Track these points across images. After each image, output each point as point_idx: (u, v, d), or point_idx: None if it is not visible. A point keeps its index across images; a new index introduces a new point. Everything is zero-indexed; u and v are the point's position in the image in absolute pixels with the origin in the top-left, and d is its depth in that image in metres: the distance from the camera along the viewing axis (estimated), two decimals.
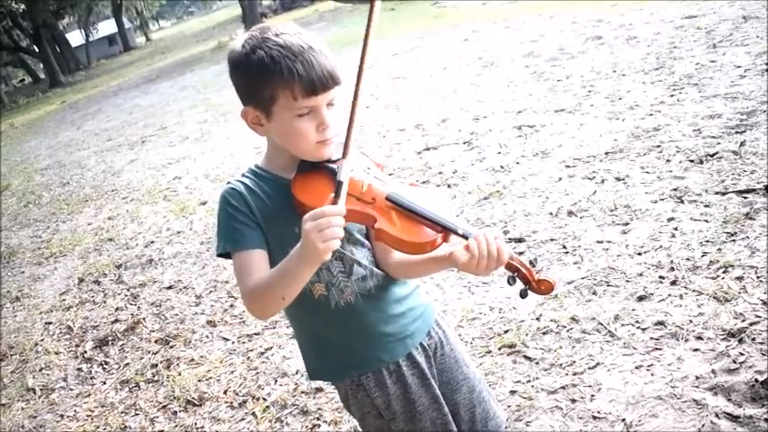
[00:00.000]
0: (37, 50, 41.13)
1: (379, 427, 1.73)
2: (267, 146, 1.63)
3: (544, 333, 3.03)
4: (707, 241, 3.35)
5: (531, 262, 1.53)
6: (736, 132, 4.45)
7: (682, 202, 3.80)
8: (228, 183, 1.60)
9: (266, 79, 1.45)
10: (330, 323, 1.64)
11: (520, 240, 3.91)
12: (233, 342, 3.78)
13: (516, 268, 1.51)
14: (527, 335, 3.04)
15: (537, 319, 3.14)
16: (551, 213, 4.15)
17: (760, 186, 3.69)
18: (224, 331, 3.93)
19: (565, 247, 3.71)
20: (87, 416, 3.52)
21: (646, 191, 4.06)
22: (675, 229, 3.55)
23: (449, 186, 5.09)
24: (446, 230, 1.49)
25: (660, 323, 2.85)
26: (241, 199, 1.55)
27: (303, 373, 3.25)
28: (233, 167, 7.57)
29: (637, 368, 2.64)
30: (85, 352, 4.20)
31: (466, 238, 1.47)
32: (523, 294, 1.54)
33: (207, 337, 3.95)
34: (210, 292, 4.52)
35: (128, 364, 3.92)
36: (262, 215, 1.55)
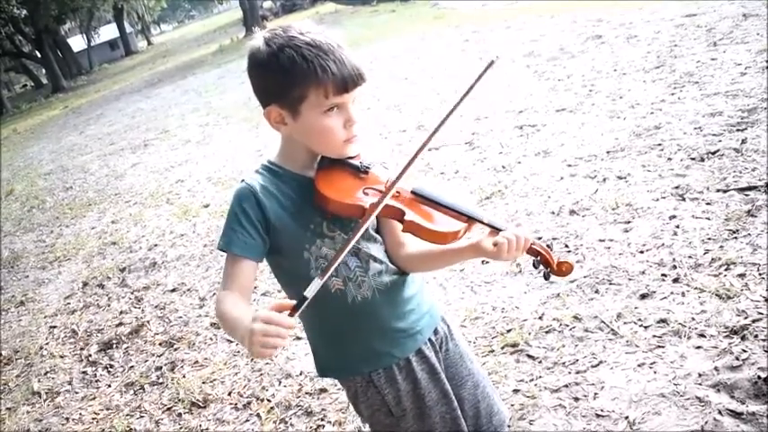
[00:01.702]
0: (39, 56, 41.20)
1: (388, 426, 1.73)
2: (282, 143, 1.62)
3: (547, 332, 3.03)
4: (709, 239, 3.35)
5: (548, 245, 1.59)
6: (737, 130, 4.46)
7: (683, 199, 3.80)
8: (243, 180, 1.58)
9: (297, 79, 1.44)
10: (345, 318, 1.65)
11: None
12: (237, 344, 3.79)
13: (538, 252, 1.58)
14: (530, 334, 3.05)
15: (539, 318, 3.15)
16: (553, 212, 4.15)
17: (761, 183, 3.69)
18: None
19: (567, 245, 3.72)
20: (92, 419, 3.53)
21: (647, 189, 4.06)
22: (677, 226, 3.55)
23: None
24: (471, 220, 1.54)
25: (663, 321, 2.85)
26: (253, 199, 1.54)
27: (307, 374, 3.26)
28: (235, 170, 7.59)
29: (639, 366, 2.64)
30: (90, 355, 4.21)
31: (490, 226, 1.52)
32: (546, 276, 1.61)
33: (211, 339, 3.96)
34: (214, 294, 4.53)
35: (132, 366, 3.93)
36: (275, 214, 1.54)
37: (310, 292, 1.31)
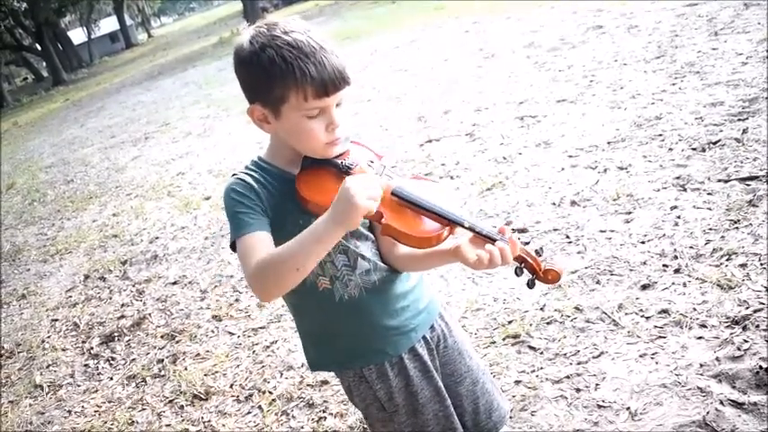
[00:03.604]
0: (39, 49, 41.15)
1: (382, 420, 1.73)
2: (271, 140, 1.62)
3: (548, 323, 3.03)
4: (710, 229, 3.35)
5: (536, 251, 1.54)
6: (739, 120, 4.44)
7: (684, 190, 3.80)
8: (234, 175, 1.57)
9: (277, 80, 1.42)
10: (334, 316, 1.64)
11: (523, 231, 3.91)
12: (238, 336, 3.80)
13: (523, 259, 1.52)
14: (531, 325, 3.05)
15: (541, 309, 3.14)
16: (554, 203, 4.15)
17: (763, 173, 3.68)
18: (229, 325, 3.95)
19: (568, 236, 3.71)
20: (95, 411, 3.54)
21: (648, 179, 4.05)
22: (678, 217, 3.54)
23: (451, 178, 5.09)
24: (452, 223, 1.49)
25: (664, 311, 2.85)
26: (248, 187, 1.52)
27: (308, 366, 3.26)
28: (236, 162, 7.57)
29: (641, 357, 2.64)
30: (92, 348, 4.22)
31: (472, 230, 1.48)
32: (530, 284, 1.54)
33: (212, 331, 3.96)
34: (215, 286, 4.54)
35: (134, 359, 3.94)
36: (269, 204, 1.53)
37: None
